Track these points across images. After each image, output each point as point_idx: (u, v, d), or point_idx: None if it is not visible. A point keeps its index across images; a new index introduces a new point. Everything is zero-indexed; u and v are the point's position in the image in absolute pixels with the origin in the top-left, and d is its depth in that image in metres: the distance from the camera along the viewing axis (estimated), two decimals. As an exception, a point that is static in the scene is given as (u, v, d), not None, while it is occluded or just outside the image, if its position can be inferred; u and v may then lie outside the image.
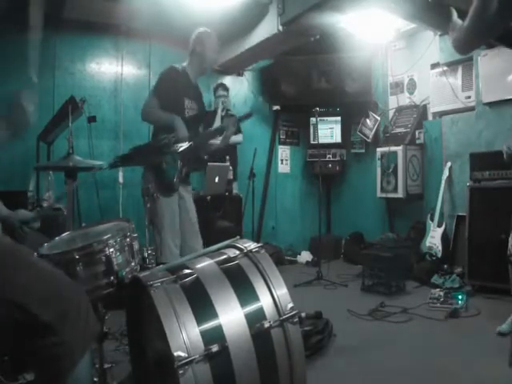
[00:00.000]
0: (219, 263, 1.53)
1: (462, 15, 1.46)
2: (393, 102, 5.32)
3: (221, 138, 3.01)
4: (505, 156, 2.75)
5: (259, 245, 1.61)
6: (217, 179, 4.13)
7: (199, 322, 1.33)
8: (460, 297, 3.45)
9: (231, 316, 1.38)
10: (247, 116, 3.19)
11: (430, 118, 4.89)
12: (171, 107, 2.70)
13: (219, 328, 1.34)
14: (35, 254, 1.55)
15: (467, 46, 1.55)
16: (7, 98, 1.32)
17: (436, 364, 2.43)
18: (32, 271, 1.25)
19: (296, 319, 1.43)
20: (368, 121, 5.46)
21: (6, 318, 1.18)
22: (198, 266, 1.53)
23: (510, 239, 2.73)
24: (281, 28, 4.04)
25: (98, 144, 4.46)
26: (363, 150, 5.65)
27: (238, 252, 1.58)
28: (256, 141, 5.45)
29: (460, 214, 4.28)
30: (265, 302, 1.43)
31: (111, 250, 1.70)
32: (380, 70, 5.41)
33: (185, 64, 2.85)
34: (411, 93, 5.10)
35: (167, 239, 2.69)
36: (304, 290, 4.04)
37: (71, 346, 1.21)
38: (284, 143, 6.04)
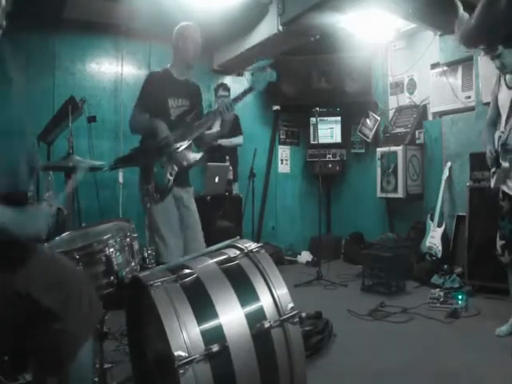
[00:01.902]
0: (219, 263, 1.53)
1: (470, 8, 1.46)
2: (393, 102, 5.32)
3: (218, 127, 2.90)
4: (488, 161, 2.80)
5: (259, 245, 1.61)
6: (217, 179, 4.13)
7: (200, 321, 1.33)
8: (460, 297, 3.46)
9: (231, 316, 1.38)
10: (246, 92, 2.71)
11: (430, 118, 4.89)
12: (156, 110, 2.65)
13: (219, 328, 1.34)
14: None
15: (473, 41, 1.55)
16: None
17: (436, 364, 2.43)
18: (33, 258, 1.24)
19: (296, 319, 1.43)
20: (368, 121, 5.46)
21: (9, 305, 1.18)
22: (199, 265, 1.53)
23: (497, 239, 2.79)
24: (281, 28, 4.04)
25: (98, 144, 4.46)
26: (363, 150, 5.65)
27: (238, 252, 1.58)
28: (256, 141, 5.44)
29: (460, 214, 4.27)
30: (265, 301, 1.43)
31: (111, 249, 1.70)
32: (380, 70, 5.41)
33: (168, 65, 2.81)
34: (411, 93, 5.10)
35: (169, 242, 2.65)
36: (304, 290, 4.04)
37: (73, 331, 1.21)
38: (284, 143, 6.04)
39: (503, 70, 2.74)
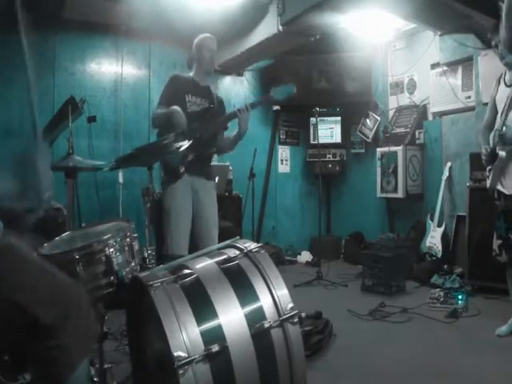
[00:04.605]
0: (219, 263, 1.53)
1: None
2: (393, 102, 5.32)
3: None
4: (483, 158, 2.79)
5: (259, 245, 1.60)
6: (217, 179, 4.13)
7: (199, 321, 1.33)
8: (460, 297, 3.46)
9: (231, 316, 1.37)
10: (265, 99, 3.05)
11: (430, 118, 4.89)
12: (173, 104, 2.77)
13: (219, 328, 1.34)
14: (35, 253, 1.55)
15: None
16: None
17: (436, 364, 2.43)
18: (33, 271, 1.23)
19: (296, 319, 1.42)
20: (368, 121, 5.46)
21: (6, 319, 1.18)
22: (198, 266, 1.53)
23: (494, 240, 2.79)
24: (281, 28, 4.05)
25: (98, 144, 4.46)
26: (363, 150, 5.65)
27: (238, 252, 1.58)
28: (256, 141, 5.43)
29: (460, 213, 4.28)
30: (265, 302, 1.43)
31: (111, 250, 1.70)
32: (380, 70, 5.41)
33: (191, 73, 3.01)
34: (411, 93, 5.10)
35: (175, 229, 2.74)
36: (304, 290, 4.04)
37: (71, 348, 1.20)
38: (284, 143, 6.04)
39: (502, 58, 2.70)
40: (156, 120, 2.87)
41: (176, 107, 2.72)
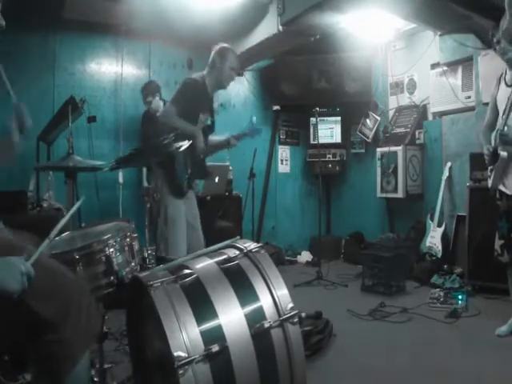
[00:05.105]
0: (219, 263, 1.53)
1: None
2: (393, 102, 5.32)
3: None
4: (486, 159, 2.78)
5: (259, 245, 1.60)
6: (217, 179, 4.13)
7: (199, 321, 1.33)
8: (460, 297, 3.46)
9: (231, 316, 1.37)
10: (245, 134, 3.20)
11: (430, 118, 4.88)
12: (186, 117, 2.78)
13: (219, 328, 1.34)
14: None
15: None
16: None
17: (436, 364, 2.43)
18: (33, 266, 1.24)
19: (296, 319, 1.43)
20: (368, 121, 5.46)
21: (6, 313, 1.18)
22: (198, 266, 1.53)
23: (496, 240, 2.79)
24: (281, 28, 4.05)
25: (98, 144, 4.46)
26: (363, 150, 5.65)
27: (238, 252, 1.58)
28: (256, 141, 5.41)
29: (460, 213, 4.28)
30: (265, 302, 1.43)
31: (111, 250, 1.70)
32: (380, 70, 5.41)
33: (204, 73, 2.94)
34: (411, 93, 5.10)
35: (178, 235, 2.79)
36: (304, 290, 4.04)
37: (71, 343, 1.20)
38: (284, 143, 6.03)
39: (505, 55, 2.67)
40: (171, 123, 2.75)
41: (199, 132, 2.79)
